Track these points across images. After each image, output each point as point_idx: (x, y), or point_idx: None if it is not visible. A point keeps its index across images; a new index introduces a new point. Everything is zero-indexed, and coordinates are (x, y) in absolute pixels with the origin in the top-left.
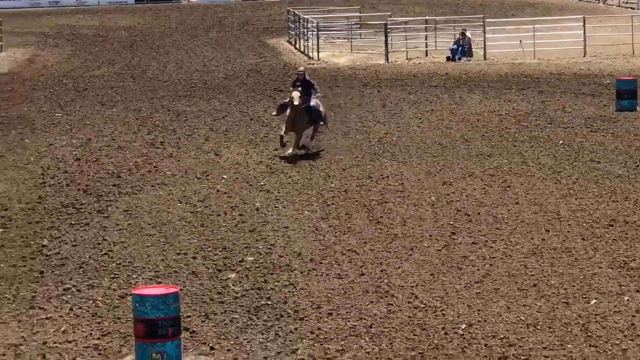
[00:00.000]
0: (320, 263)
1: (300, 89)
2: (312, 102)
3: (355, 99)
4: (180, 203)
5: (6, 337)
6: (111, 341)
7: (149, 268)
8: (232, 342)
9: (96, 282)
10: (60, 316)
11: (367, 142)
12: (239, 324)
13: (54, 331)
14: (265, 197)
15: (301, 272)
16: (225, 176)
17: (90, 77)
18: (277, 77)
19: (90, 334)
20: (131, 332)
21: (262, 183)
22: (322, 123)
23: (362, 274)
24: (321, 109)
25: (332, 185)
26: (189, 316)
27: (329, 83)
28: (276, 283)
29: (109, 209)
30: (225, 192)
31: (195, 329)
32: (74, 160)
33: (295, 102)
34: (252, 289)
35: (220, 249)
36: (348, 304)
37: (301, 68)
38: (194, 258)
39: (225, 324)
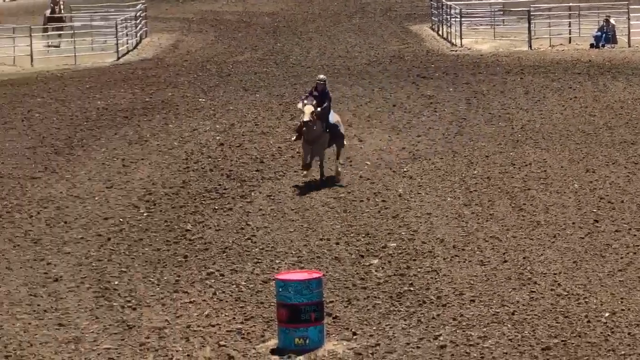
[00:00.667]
0: (463, 250)
1: (315, 101)
2: (332, 119)
3: (498, 86)
4: (324, 189)
5: (150, 320)
6: (254, 326)
7: (291, 253)
8: (374, 328)
9: (239, 266)
10: (204, 300)
11: (510, 129)
12: (382, 310)
13: (197, 315)
14: (408, 183)
15: (444, 259)
16: (368, 162)
17: (233, 62)
18: (419, 63)
19: (234, 318)
20: (274, 317)
21: (405, 169)
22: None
23: (505, 261)
24: (341, 126)
25: (475, 172)
26: (331, 301)
27: (471, 70)
28: (419, 269)
29: (252, 194)
30: (368, 178)
31: (337, 315)
32: (217, 145)
33: (306, 118)
34: (394, 275)
35: (363, 235)
36: (490, 290)
37: (321, 76)
38: (337, 244)
39: (368, 309)
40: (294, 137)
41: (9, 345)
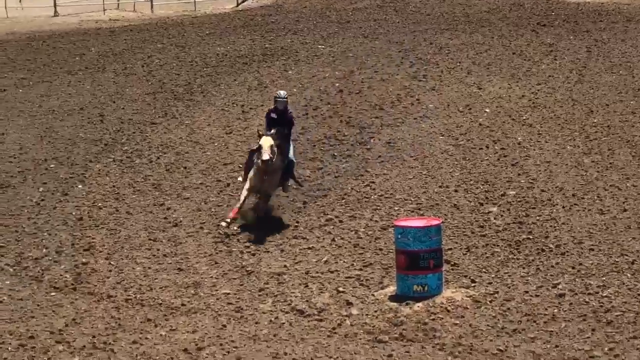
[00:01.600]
0: (582, 198)
1: (273, 130)
2: (291, 154)
3: (619, 34)
4: (443, 136)
5: (269, 266)
6: (372, 272)
7: (410, 200)
8: (492, 276)
9: (358, 213)
10: (322, 246)
11: (631, 77)
12: (500, 258)
13: (315, 261)
14: (527, 131)
15: (563, 207)
16: (487, 110)
17: (353, 9)
18: (540, 11)
19: (352, 264)
20: (392, 264)
21: (524, 117)
22: (293, 182)
23: (625, 210)
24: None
25: (595, 120)
26: (450, 249)
27: (592, 18)
28: (538, 217)
29: (372, 140)
30: (488, 126)
31: (456, 262)
32: (336, 92)
33: (264, 157)
34: (513, 223)
35: (482, 183)
36: (610, 239)
37: (281, 92)
38: (456, 191)
39: (487, 257)
40: (240, 177)
41: (129, 289)
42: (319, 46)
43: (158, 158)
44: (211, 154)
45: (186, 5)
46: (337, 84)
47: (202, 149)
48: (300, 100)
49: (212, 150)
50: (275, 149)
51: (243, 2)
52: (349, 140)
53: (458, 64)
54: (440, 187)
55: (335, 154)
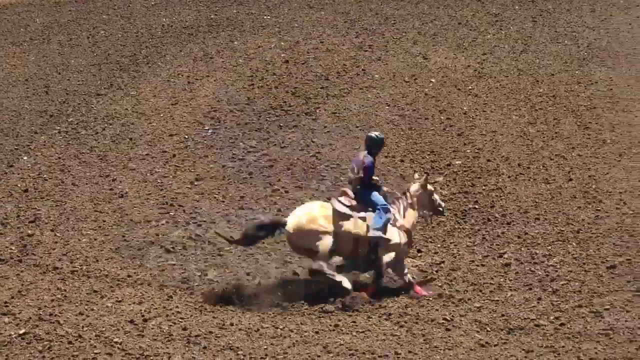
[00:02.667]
0: (528, 168)
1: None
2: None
3: (564, 4)
4: (389, 106)
5: (216, 236)
6: None
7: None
8: (438, 245)
9: (304, 183)
10: None
11: (576, 47)
12: (446, 227)
13: None
14: (473, 101)
15: (509, 177)
16: (433, 80)
17: None
18: None
19: None
20: None
21: (470, 87)
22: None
23: (570, 179)
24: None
25: (541, 90)
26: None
27: None
28: (484, 187)
29: (317, 111)
30: (433, 96)
31: None
32: (282, 62)
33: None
34: (459, 192)
35: (428, 152)
36: (555, 209)
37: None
38: (402, 161)
39: (433, 227)
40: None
41: (75, 260)
42: (265, 17)
43: (103, 129)
44: (157, 125)
45: None
46: (282, 55)
47: (147, 120)
48: (246, 71)
49: (158, 121)
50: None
51: None
52: (295, 111)
53: (404, 34)
54: (386, 157)
55: (281, 124)
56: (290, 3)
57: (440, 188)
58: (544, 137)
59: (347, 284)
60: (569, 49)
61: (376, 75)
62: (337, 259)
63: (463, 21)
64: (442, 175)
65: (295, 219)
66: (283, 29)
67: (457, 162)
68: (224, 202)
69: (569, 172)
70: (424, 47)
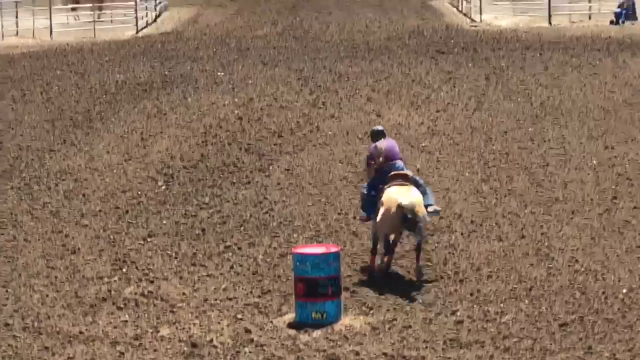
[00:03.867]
0: (481, 225)
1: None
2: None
3: (517, 62)
4: (342, 163)
5: (168, 293)
6: (271, 300)
7: (309, 227)
8: (391, 303)
9: (257, 240)
10: (221, 274)
11: (529, 105)
12: (399, 285)
13: (214, 288)
14: (426, 158)
15: (461, 234)
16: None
17: (252, 37)
18: (439, 39)
19: (251, 292)
20: (291, 291)
21: (423, 144)
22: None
23: (523, 237)
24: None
25: (494, 147)
26: (349, 276)
27: (491, 45)
28: (436, 244)
29: (271, 168)
30: None
31: (355, 289)
32: (235, 119)
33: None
34: (412, 250)
35: None
36: (508, 266)
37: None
38: (355, 218)
39: (385, 284)
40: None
41: (26, 317)
42: (219, 73)
43: (56, 185)
44: (110, 181)
45: (86, 32)
46: (236, 112)
47: (100, 176)
48: (200, 128)
49: (111, 177)
50: None
51: (142, 29)
52: (248, 168)
53: (357, 91)
54: (339, 214)
55: (234, 180)
56: (244, 60)
57: (393, 245)
58: (496, 195)
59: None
60: (522, 107)
61: (329, 132)
62: None
63: (417, 79)
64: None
65: (410, 198)
66: (237, 85)
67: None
68: (176, 258)
69: (522, 229)
70: (377, 105)
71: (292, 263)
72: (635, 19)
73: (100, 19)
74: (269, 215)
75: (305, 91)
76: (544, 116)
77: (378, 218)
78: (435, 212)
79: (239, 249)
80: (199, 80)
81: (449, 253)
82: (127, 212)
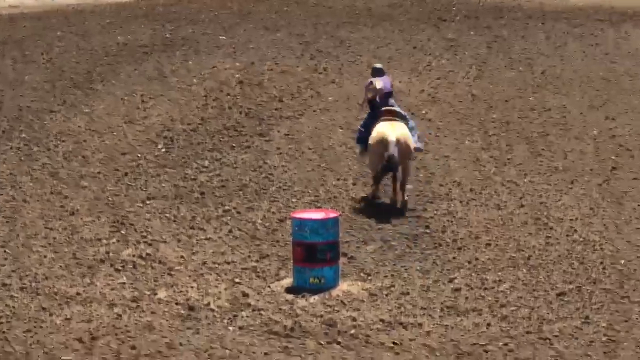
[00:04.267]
0: (480, 193)
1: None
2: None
3: (519, 31)
4: (342, 129)
5: (166, 256)
6: (269, 264)
7: (308, 192)
8: (389, 269)
9: (256, 204)
10: (220, 237)
11: (530, 74)
12: (397, 252)
13: (212, 252)
14: (426, 125)
15: (460, 202)
16: None
17: (254, 1)
18: (441, 6)
19: (249, 256)
20: (289, 256)
21: (424, 112)
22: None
23: (522, 206)
24: None
25: (494, 116)
26: (347, 242)
27: (493, 14)
28: (435, 212)
29: (271, 132)
30: None
31: (353, 255)
32: (236, 83)
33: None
34: (410, 216)
35: None
36: (506, 235)
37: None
38: (354, 184)
39: (384, 250)
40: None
41: (24, 277)
42: (220, 37)
43: (56, 146)
44: (110, 143)
45: None
46: (237, 75)
47: (100, 138)
48: (200, 91)
49: (111, 139)
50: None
51: None
52: (248, 132)
53: (358, 57)
54: (338, 179)
55: (234, 144)
56: (246, 24)
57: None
58: (496, 163)
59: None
60: (523, 76)
61: (330, 98)
62: None
63: (418, 45)
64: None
65: (396, 133)
66: (238, 49)
67: (409, 187)
68: (175, 221)
69: (521, 198)
70: None
71: (291, 228)
72: None
73: None
74: (268, 180)
75: (307, 56)
76: (545, 85)
77: (368, 152)
78: (419, 149)
79: (238, 213)
80: (200, 43)
81: (448, 221)
82: (126, 174)
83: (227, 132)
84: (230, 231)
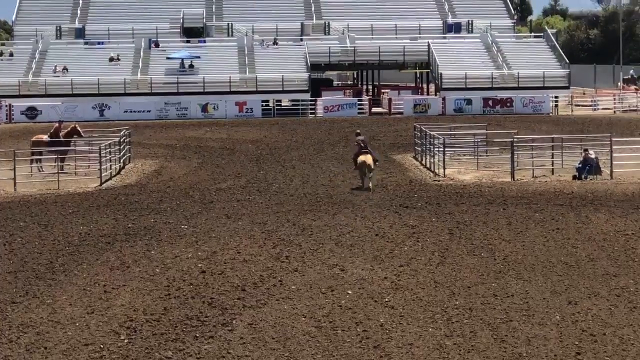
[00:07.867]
0: None
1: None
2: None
3: (480, 217)
4: (305, 318)
5: None
6: None
7: None
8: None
9: None
10: None
11: (492, 260)
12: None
13: None
14: (389, 313)
15: None
16: (350, 291)
17: (216, 189)
18: (402, 192)
19: None
20: None
21: (386, 299)
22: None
23: None
24: None
25: (457, 302)
26: None
27: (454, 200)
28: None
29: (234, 322)
30: (350, 308)
31: None
32: (199, 272)
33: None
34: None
35: None
36: None
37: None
38: None
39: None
40: None
41: None
42: (182, 226)
43: (18, 338)
44: (72, 334)
45: (49, 184)
46: (200, 265)
47: (62, 328)
48: (163, 281)
49: (73, 330)
50: None
51: (106, 181)
52: (211, 322)
53: (321, 245)
54: None
55: (197, 335)
56: (208, 213)
57: None
58: (460, 350)
59: None
60: (486, 262)
61: (293, 287)
62: None
63: (380, 233)
64: None
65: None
66: (200, 238)
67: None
68: None
69: None
70: (341, 259)
71: None
72: (600, 173)
73: (64, 171)
74: None
75: (269, 244)
76: (507, 271)
77: (356, 167)
78: (377, 162)
79: None
80: (162, 233)
81: None
82: None
83: (190, 322)
84: None
